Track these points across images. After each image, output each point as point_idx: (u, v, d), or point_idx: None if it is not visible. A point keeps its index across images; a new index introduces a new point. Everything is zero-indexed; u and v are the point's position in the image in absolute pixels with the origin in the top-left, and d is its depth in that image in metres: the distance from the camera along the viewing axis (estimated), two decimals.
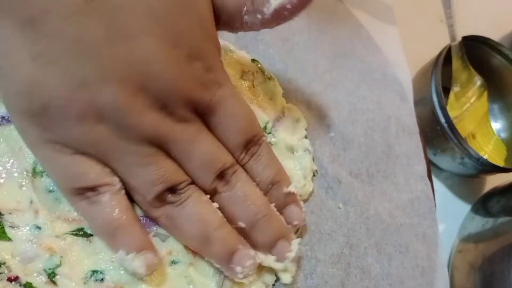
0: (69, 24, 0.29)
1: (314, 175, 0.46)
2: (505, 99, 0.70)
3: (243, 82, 0.46)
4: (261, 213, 0.36)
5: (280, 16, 0.34)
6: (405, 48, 0.58)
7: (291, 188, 0.38)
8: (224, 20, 0.36)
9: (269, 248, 0.37)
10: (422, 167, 0.52)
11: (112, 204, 0.33)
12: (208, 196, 0.36)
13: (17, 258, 0.33)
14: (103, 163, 0.33)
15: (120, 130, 0.32)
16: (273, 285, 0.39)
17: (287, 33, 0.52)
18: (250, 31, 0.37)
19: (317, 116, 0.49)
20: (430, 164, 0.54)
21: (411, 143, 0.53)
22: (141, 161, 0.33)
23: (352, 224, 0.45)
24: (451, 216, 0.65)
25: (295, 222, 0.39)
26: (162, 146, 0.33)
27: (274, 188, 0.38)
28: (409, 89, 0.56)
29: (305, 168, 0.44)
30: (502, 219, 0.57)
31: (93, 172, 0.32)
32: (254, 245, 0.37)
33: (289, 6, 0.34)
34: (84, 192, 0.33)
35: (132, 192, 0.35)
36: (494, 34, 0.71)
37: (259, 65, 0.47)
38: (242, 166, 0.37)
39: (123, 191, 0.34)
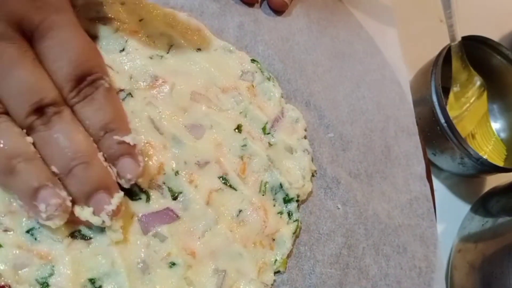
0: None
1: (313, 175, 0.46)
2: (505, 99, 0.70)
3: (242, 82, 0.46)
4: (78, 160, 0.32)
5: None
6: (405, 48, 0.58)
7: (127, 139, 0.34)
8: None
9: (85, 199, 0.33)
10: (421, 167, 0.52)
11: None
12: (23, 130, 0.32)
13: (7, 265, 0.32)
14: None
15: None
16: (272, 284, 0.40)
17: (287, 33, 0.52)
18: None
19: (317, 116, 0.49)
20: (430, 164, 0.54)
21: (410, 144, 0.53)
22: None
23: (350, 224, 0.45)
24: (451, 216, 0.65)
25: (128, 176, 0.34)
26: None
27: (106, 136, 0.34)
28: (408, 91, 0.56)
29: (304, 169, 0.44)
30: (501, 219, 0.57)
31: None
32: (72, 196, 0.33)
33: None
34: None
35: None
36: (494, 34, 0.71)
37: (258, 66, 0.47)
38: (72, 107, 0.33)
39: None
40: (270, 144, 0.44)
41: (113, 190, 0.34)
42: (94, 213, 0.33)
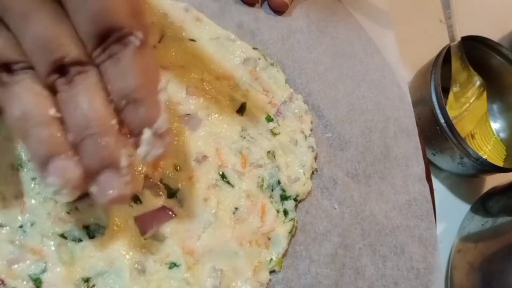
0: None
1: (312, 173, 0.46)
2: (505, 99, 0.69)
3: (245, 67, 0.46)
4: (91, 129, 0.28)
5: None
6: (404, 48, 0.58)
7: (156, 120, 0.29)
8: None
9: (93, 174, 0.29)
10: (420, 168, 0.52)
11: None
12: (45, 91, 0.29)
13: (1, 260, 0.33)
14: None
15: None
16: (267, 284, 0.40)
17: (287, 32, 0.53)
18: None
19: (315, 115, 0.49)
20: (429, 164, 0.54)
21: (410, 145, 0.53)
22: None
23: (347, 224, 0.45)
24: (451, 216, 0.65)
25: (148, 158, 0.30)
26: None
27: (129, 106, 0.29)
28: (407, 91, 0.56)
29: (305, 165, 0.45)
30: (501, 219, 0.57)
31: None
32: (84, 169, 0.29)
33: None
34: None
35: None
36: (494, 34, 0.71)
37: (261, 52, 0.48)
38: (98, 67, 0.29)
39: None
40: (274, 134, 0.44)
41: (119, 168, 0.29)
42: (97, 194, 0.29)
